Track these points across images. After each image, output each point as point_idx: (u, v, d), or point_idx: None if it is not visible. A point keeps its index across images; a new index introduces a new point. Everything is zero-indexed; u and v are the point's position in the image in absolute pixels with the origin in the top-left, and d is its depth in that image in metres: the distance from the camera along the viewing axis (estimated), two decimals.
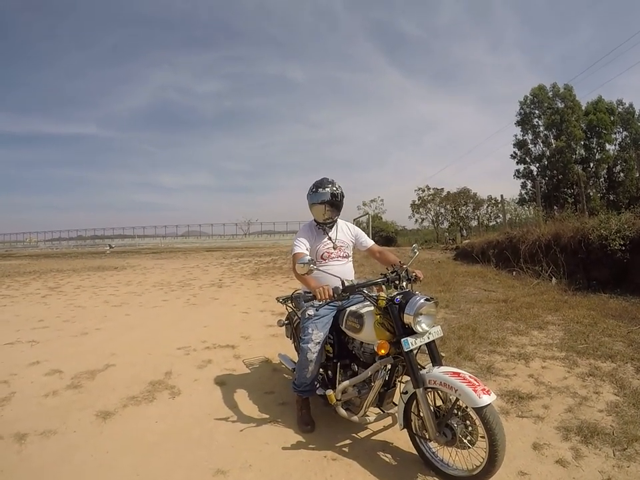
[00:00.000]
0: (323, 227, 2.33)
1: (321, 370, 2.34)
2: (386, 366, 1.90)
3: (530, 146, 23.38)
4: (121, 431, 2.21)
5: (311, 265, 1.88)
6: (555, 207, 8.12)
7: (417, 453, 1.85)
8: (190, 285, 8.28)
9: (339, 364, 2.22)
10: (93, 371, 3.08)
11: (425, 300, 1.76)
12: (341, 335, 2.24)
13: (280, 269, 10.74)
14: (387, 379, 1.95)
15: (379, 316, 1.90)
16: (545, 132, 22.54)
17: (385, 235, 24.73)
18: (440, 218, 26.08)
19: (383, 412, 2.07)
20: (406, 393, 1.80)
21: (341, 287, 1.89)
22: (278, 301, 2.91)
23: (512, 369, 2.84)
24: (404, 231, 29.39)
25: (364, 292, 1.96)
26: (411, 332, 1.76)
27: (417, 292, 1.86)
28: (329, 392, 1.93)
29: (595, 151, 21.65)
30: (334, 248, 2.36)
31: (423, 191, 26.63)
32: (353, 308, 2.14)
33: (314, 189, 2.26)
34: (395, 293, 1.87)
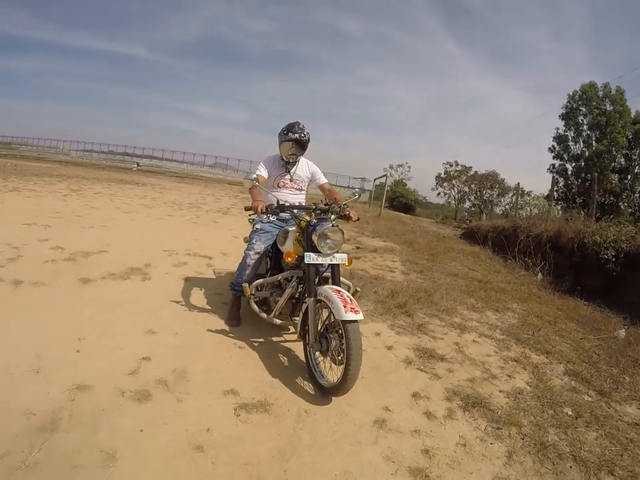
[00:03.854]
0: (286, 162, 2.66)
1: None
2: (297, 277, 2.30)
3: (570, 143, 21.59)
4: (93, 292, 2.86)
5: (254, 182, 2.30)
6: (583, 212, 7.60)
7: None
8: (199, 207, 8.80)
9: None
10: (89, 252, 3.74)
11: (332, 226, 2.09)
12: (279, 251, 2.62)
13: None
14: (299, 291, 2.36)
15: (298, 234, 2.28)
16: (588, 132, 20.79)
17: (403, 202, 24.40)
18: (463, 196, 25.58)
19: (292, 320, 2.49)
20: (305, 303, 2.13)
21: (274, 205, 2.24)
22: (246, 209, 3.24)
23: (443, 333, 2.99)
24: (424, 203, 29.03)
25: (293, 212, 2.30)
26: (317, 251, 2.11)
27: (331, 220, 2.18)
28: (245, 284, 2.36)
29: (636, 163, 19.78)
30: (290, 180, 2.76)
31: (451, 165, 26.07)
32: (287, 228, 2.49)
33: (285, 131, 2.60)
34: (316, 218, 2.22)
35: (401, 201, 24.46)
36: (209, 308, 2.93)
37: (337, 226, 2.15)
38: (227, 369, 2.11)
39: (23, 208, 5.33)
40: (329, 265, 2.18)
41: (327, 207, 2.34)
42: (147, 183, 13.94)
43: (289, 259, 2.19)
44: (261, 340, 2.55)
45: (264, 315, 2.42)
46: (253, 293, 2.41)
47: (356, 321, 1.83)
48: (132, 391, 1.76)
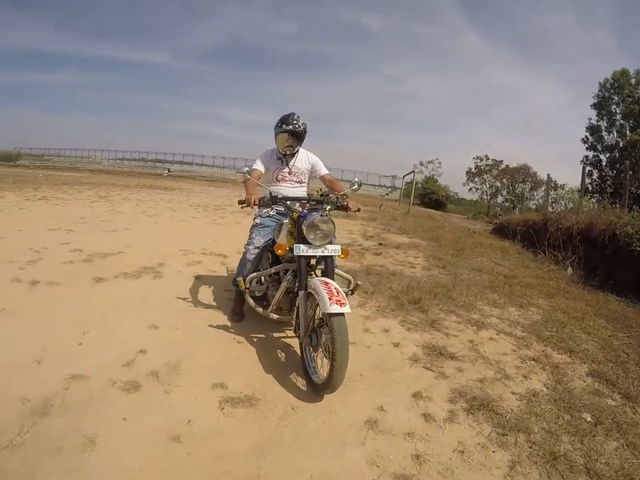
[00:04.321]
0: (284, 154, 2.70)
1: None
2: (292, 270, 2.31)
3: (603, 133, 20.68)
4: (104, 291, 3.06)
5: (246, 175, 2.33)
6: (616, 203, 7.31)
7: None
8: (224, 209, 9.10)
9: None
10: (107, 253, 4.01)
11: (321, 216, 2.09)
12: None
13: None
14: (296, 285, 2.33)
15: (290, 225, 2.32)
16: (622, 121, 19.87)
17: (434, 198, 24.71)
18: (495, 191, 26.02)
19: (290, 315, 2.48)
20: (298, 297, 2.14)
21: (267, 197, 2.30)
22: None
23: (458, 330, 2.89)
24: (457, 199, 29.53)
25: (286, 204, 2.34)
26: (309, 243, 2.12)
27: (323, 210, 2.19)
28: (239, 278, 2.43)
29: None
30: (289, 173, 2.78)
31: (481, 160, 26.44)
32: (283, 221, 2.54)
33: (279, 124, 2.63)
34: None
35: (432, 197, 24.76)
36: (215, 304, 3.03)
37: (327, 215, 2.14)
38: (222, 364, 2.16)
39: (49, 215, 5.79)
40: (323, 257, 2.20)
41: (322, 197, 2.35)
42: (176, 188, 14.69)
43: (280, 251, 2.20)
44: (262, 335, 2.59)
45: (260, 310, 2.45)
46: (248, 287, 2.45)
47: (342, 314, 1.81)
48: (123, 381, 1.85)
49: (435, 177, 29.14)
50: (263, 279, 2.64)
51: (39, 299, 2.73)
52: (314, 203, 2.31)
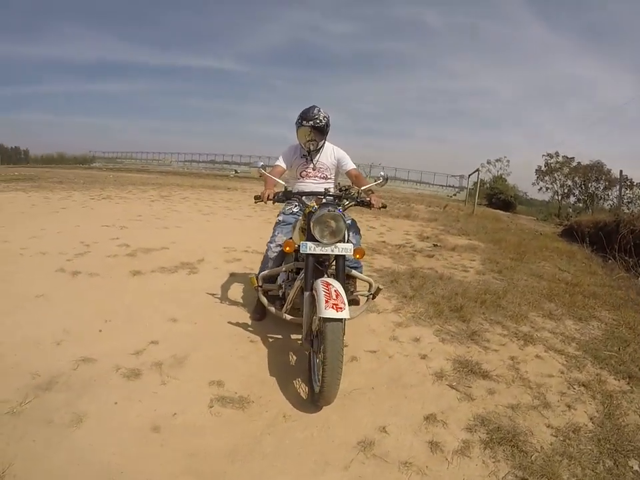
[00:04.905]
0: (308, 149, 2.78)
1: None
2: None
3: None
4: (138, 283, 3.45)
5: (260, 169, 2.46)
6: None
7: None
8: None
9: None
10: (151, 249, 4.51)
11: (328, 211, 2.10)
12: None
13: (387, 212, 11.11)
14: None
15: (303, 222, 2.37)
16: None
17: (502, 199, 25.24)
18: (568, 191, 26.04)
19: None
20: None
21: (281, 192, 2.40)
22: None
23: (500, 344, 2.77)
24: (527, 200, 30.06)
25: (301, 199, 2.40)
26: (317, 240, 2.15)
27: (335, 206, 2.18)
28: (252, 276, 2.53)
29: None
30: (313, 169, 2.85)
31: (551, 157, 26.68)
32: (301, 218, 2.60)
33: (300, 120, 2.71)
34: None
35: (499, 197, 25.34)
36: (241, 302, 3.22)
37: (339, 211, 2.12)
38: (227, 361, 2.28)
39: (108, 213, 6.75)
40: (335, 256, 2.17)
41: (341, 192, 2.35)
42: (239, 188, 15.78)
43: (287, 249, 2.24)
44: (278, 336, 2.68)
45: (272, 309, 2.51)
46: (261, 285, 2.55)
47: (338, 320, 1.78)
48: (127, 368, 2.07)
49: (503, 176, 29.77)
50: (279, 278, 2.71)
51: (75, 287, 3.21)
52: (331, 198, 2.32)
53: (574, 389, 2.28)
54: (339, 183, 2.66)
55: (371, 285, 2.50)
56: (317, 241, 2.11)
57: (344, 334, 1.95)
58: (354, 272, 2.47)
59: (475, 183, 16.76)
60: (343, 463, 1.60)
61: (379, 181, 2.48)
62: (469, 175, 19.27)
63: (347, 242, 2.23)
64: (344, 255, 2.16)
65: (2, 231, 4.85)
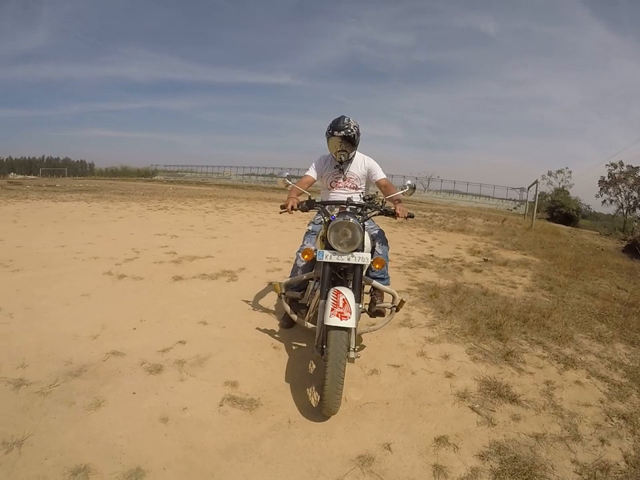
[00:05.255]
0: (340, 160, 2.90)
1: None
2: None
3: None
4: (177, 288, 3.77)
5: (286, 180, 2.64)
6: None
7: None
8: None
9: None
10: (196, 256, 4.91)
11: (344, 219, 2.18)
12: None
13: (441, 226, 10.84)
14: None
15: (323, 230, 2.47)
16: None
17: (564, 212, 25.06)
18: (632, 203, 25.79)
19: None
20: None
21: (304, 201, 2.54)
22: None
23: (537, 367, 2.65)
24: (592, 213, 29.95)
25: (324, 208, 2.51)
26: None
27: (352, 215, 2.25)
28: (275, 282, 2.66)
29: None
30: (343, 179, 2.97)
31: (615, 167, 26.68)
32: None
33: (330, 130, 2.82)
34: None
35: (561, 211, 25.19)
36: (272, 309, 3.39)
37: (351, 219, 2.16)
38: (246, 364, 2.41)
39: (162, 223, 7.45)
40: (353, 265, 2.19)
41: (365, 201, 2.42)
42: None
43: (306, 257, 2.33)
44: (302, 344, 2.77)
45: (294, 316, 2.59)
46: (284, 292, 2.66)
47: (342, 328, 1.83)
48: (151, 363, 2.30)
49: (565, 188, 29.87)
50: (310, 286, 2.81)
51: (118, 289, 3.61)
52: (354, 207, 2.38)
53: (612, 421, 2.10)
54: (361, 194, 2.73)
55: (394, 297, 2.49)
56: (334, 250, 2.18)
57: (355, 344, 2.02)
58: (375, 282, 2.48)
59: (534, 196, 16.46)
60: (336, 475, 1.61)
61: (405, 190, 2.50)
62: (528, 188, 19.16)
63: (372, 251, 2.25)
64: (361, 265, 2.20)
65: (61, 237, 5.62)
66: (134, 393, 2.03)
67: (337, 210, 2.47)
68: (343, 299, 1.93)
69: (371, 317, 2.79)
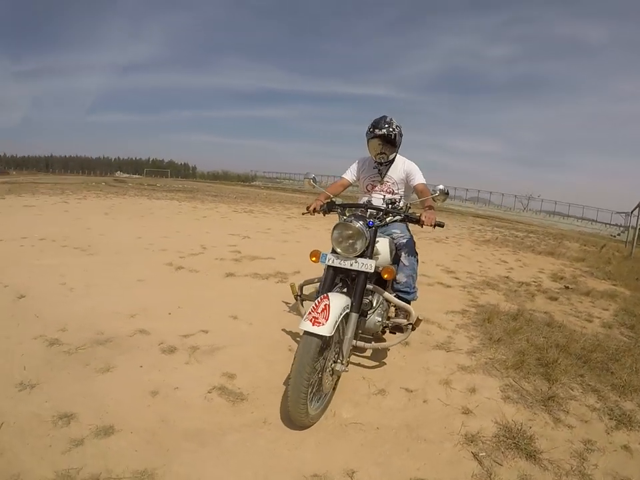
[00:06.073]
0: (379, 162, 2.90)
1: None
2: (340, 280, 2.40)
3: None
4: (228, 283, 4.13)
5: (311, 181, 2.75)
6: None
7: None
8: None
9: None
10: (257, 257, 5.36)
11: (345, 221, 2.18)
12: None
13: (530, 247, 9.81)
14: None
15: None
16: None
17: None
18: None
19: None
20: None
21: (326, 203, 2.64)
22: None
23: (581, 419, 2.25)
24: None
25: (343, 211, 2.55)
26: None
27: (361, 218, 2.23)
28: (292, 283, 2.74)
29: None
30: (380, 182, 2.97)
31: None
32: None
33: (371, 129, 2.83)
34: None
35: None
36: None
37: (353, 221, 2.13)
38: (252, 361, 2.52)
39: (242, 224, 8.08)
40: (358, 272, 2.14)
41: (387, 205, 2.41)
42: None
43: (313, 259, 2.32)
44: None
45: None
46: (299, 294, 2.72)
47: (312, 335, 1.78)
48: (167, 345, 2.56)
49: None
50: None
51: (171, 278, 4.05)
52: (373, 211, 2.36)
53: None
54: (383, 197, 2.66)
55: (409, 314, 2.37)
56: (338, 254, 2.17)
57: (344, 356, 2.00)
58: (386, 294, 2.38)
59: (637, 221, 13.96)
60: None
61: (435, 195, 2.35)
62: (632, 212, 16.40)
63: (397, 261, 2.13)
64: (366, 272, 2.13)
65: (142, 229, 6.48)
66: (141, 366, 2.29)
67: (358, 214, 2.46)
68: (325, 305, 1.88)
69: (390, 332, 2.69)
